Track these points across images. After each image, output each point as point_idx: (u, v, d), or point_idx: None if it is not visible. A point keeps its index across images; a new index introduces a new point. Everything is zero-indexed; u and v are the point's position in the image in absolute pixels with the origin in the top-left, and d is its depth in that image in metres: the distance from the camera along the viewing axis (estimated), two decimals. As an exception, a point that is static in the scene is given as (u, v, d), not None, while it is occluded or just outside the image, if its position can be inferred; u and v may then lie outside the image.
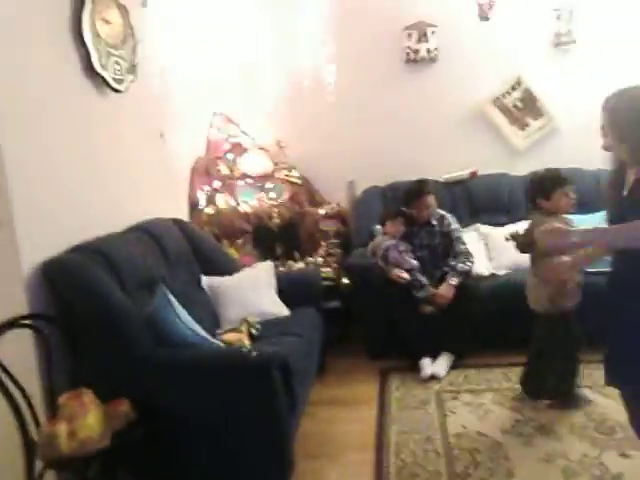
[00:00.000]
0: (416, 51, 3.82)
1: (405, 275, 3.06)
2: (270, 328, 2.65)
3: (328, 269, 3.45)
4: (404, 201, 3.31)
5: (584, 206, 3.36)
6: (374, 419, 2.61)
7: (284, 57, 3.90)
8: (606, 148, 1.78)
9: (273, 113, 3.92)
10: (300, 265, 3.55)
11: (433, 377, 2.93)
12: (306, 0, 3.80)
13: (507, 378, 2.87)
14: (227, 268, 3.04)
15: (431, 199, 3.22)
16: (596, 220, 3.24)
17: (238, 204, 3.72)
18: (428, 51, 3.82)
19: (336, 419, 2.66)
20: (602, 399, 2.52)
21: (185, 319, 2.14)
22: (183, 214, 3.44)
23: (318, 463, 2.33)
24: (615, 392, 1.89)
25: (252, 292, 2.88)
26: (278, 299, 2.96)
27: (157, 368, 2.02)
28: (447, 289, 3.04)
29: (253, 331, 2.59)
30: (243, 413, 1.99)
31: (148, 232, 2.61)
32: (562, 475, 2.06)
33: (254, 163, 3.80)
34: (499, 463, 2.17)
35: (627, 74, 3.56)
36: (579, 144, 3.62)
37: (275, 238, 3.74)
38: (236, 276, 3.00)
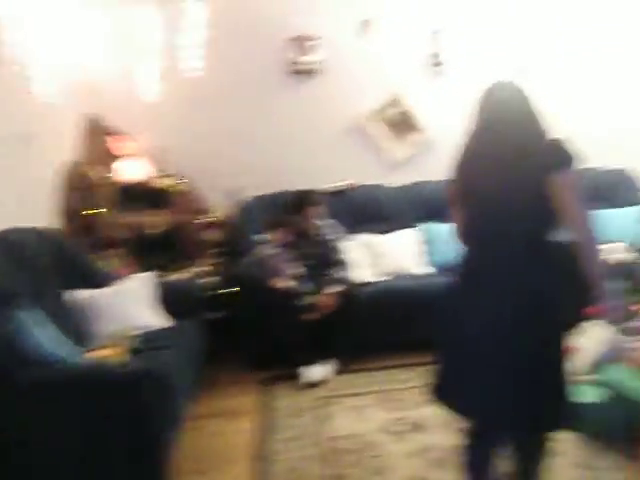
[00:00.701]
0: (300, 63, 3.91)
1: (288, 283, 3.11)
2: (150, 341, 2.55)
3: (212, 279, 3.40)
4: (290, 210, 3.35)
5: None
6: (256, 429, 2.61)
7: (167, 62, 3.79)
8: None
9: (156, 119, 3.80)
10: (183, 275, 3.46)
11: (316, 383, 2.99)
12: (188, 9, 3.73)
13: (388, 380, 3.02)
14: (99, 280, 2.88)
15: (316, 210, 3.30)
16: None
17: (117, 212, 3.56)
18: (311, 63, 3.92)
19: (218, 432, 2.62)
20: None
21: (50, 336, 2.00)
22: (52, 222, 3.20)
23: (204, 478, 2.28)
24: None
25: (130, 304, 2.76)
26: (158, 311, 2.86)
27: (20, 390, 1.87)
28: (328, 297, 3.12)
29: (131, 345, 2.47)
30: (116, 430, 1.91)
31: (5, 242, 2.39)
32: (432, 464, 2.22)
33: (134, 169, 3.66)
34: (374, 460, 2.28)
35: None
36: (451, 158, 3.98)
37: (157, 247, 3.62)
38: (112, 288, 2.85)
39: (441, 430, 2.47)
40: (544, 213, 1.65)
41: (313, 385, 2.97)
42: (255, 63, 3.88)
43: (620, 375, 2.42)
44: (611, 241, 3.64)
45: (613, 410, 2.31)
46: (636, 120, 4.12)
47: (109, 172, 3.59)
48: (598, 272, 1.62)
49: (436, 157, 4.05)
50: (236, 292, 3.25)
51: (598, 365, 2.56)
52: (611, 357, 2.60)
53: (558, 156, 1.64)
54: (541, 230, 1.69)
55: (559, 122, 4.27)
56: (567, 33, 4.04)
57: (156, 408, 1.95)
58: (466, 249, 1.83)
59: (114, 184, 3.57)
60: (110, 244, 3.48)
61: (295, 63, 3.91)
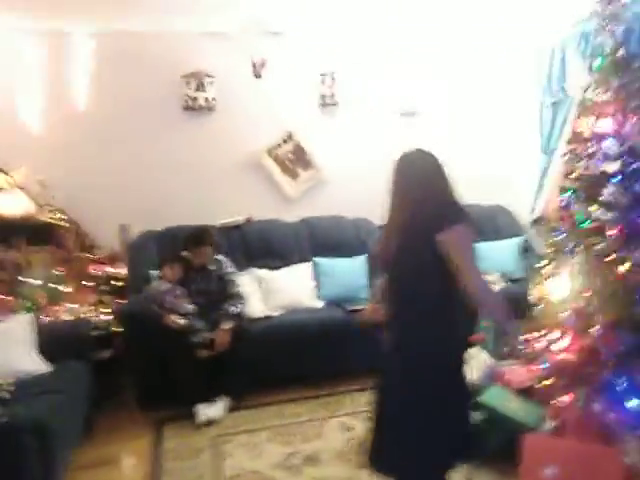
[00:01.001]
0: (194, 99, 3.93)
1: (180, 320, 3.05)
2: (26, 388, 2.38)
3: (100, 317, 3.25)
4: (183, 246, 3.31)
5: (345, 251, 3.87)
6: (146, 476, 2.50)
7: (55, 94, 3.65)
8: None
9: (37, 151, 3.62)
10: (66, 314, 3.26)
11: (210, 422, 2.93)
12: (76, 41, 3.64)
13: (281, 414, 3.03)
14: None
15: (209, 250, 3.29)
16: (353, 264, 3.75)
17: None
18: (206, 100, 3.95)
19: (109, 480, 2.47)
20: (359, 424, 2.81)
21: None
22: None
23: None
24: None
25: (3, 349, 2.56)
26: (36, 355, 2.68)
27: None
28: (222, 334, 3.10)
29: (3, 394, 2.28)
30: None
31: None
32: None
33: (11, 204, 3.43)
34: (270, 497, 2.28)
35: (383, 134, 4.27)
36: (342, 194, 4.18)
37: (37, 286, 3.39)
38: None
39: (334, 462, 2.52)
40: (441, 274, 1.72)
41: (207, 424, 2.91)
42: (148, 98, 3.84)
43: (495, 397, 2.63)
44: (488, 272, 4.03)
45: (490, 429, 2.50)
46: (507, 162, 4.57)
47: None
48: (501, 316, 1.76)
49: (329, 193, 4.25)
50: (126, 330, 3.12)
51: (477, 389, 2.78)
52: (488, 380, 2.83)
53: (446, 216, 1.73)
54: (438, 291, 1.75)
55: (444, 162, 4.67)
56: (452, 77, 4.42)
57: (36, 459, 1.83)
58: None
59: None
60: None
61: (189, 99, 3.92)
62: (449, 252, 1.70)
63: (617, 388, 2.42)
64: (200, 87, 3.95)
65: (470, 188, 4.32)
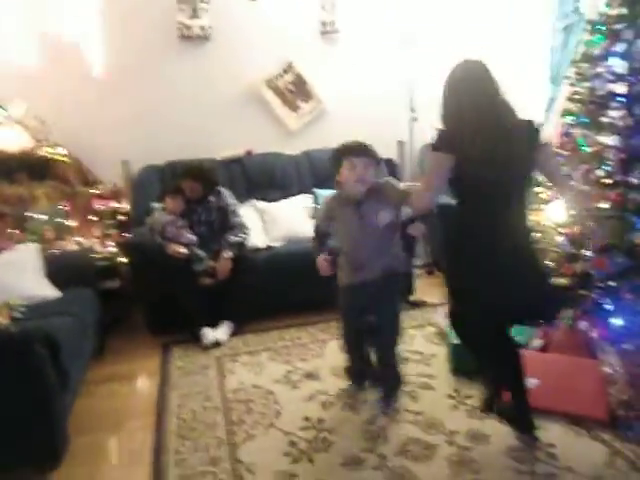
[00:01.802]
0: (189, 27, 3.84)
1: (183, 250, 3.14)
2: (37, 310, 2.52)
3: (105, 249, 3.35)
4: (184, 179, 3.32)
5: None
6: (156, 388, 2.67)
7: (43, 26, 3.59)
8: None
9: (35, 86, 3.60)
10: (73, 246, 3.37)
11: (215, 344, 3.08)
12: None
13: (282, 338, 3.17)
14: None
15: (196, 185, 3.25)
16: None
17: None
18: (202, 28, 3.86)
19: (116, 394, 2.65)
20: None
21: None
22: None
23: (97, 436, 2.32)
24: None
25: (12, 275, 2.70)
26: (46, 281, 2.80)
27: None
28: (224, 263, 3.19)
29: (15, 314, 2.42)
30: (10, 392, 1.91)
31: None
32: (321, 407, 2.41)
33: (10, 139, 3.45)
34: (269, 407, 2.43)
35: (385, 64, 4.18)
36: (345, 126, 4.07)
37: (43, 220, 3.48)
38: (-5, 260, 2.75)
39: (333, 378, 2.66)
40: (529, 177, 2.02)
41: (212, 346, 3.05)
42: (143, 28, 3.77)
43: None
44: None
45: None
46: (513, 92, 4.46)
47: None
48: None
49: (331, 125, 4.18)
50: (131, 260, 3.23)
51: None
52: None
53: (539, 132, 2.00)
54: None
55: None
56: (455, 3, 4.28)
57: (50, 368, 1.96)
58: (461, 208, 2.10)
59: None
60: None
61: (184, 27, 3.83)
62: (550, 161, 2.07)
63: (605, 308, 2.51)
64: (195, 14, 3.83)
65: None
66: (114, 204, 3.64)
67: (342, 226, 2.35)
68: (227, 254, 3.20)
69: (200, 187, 3.28)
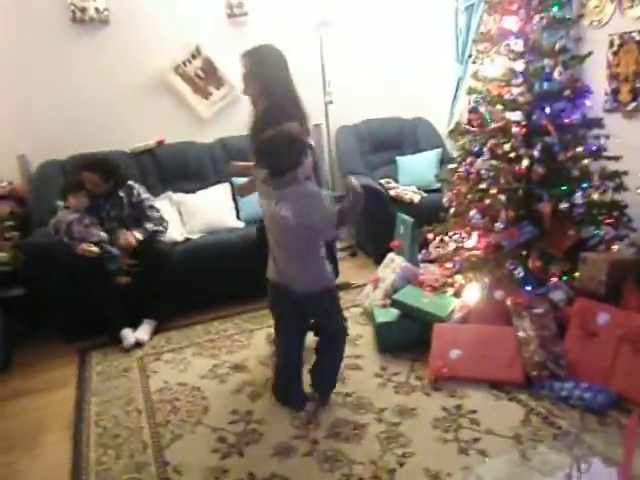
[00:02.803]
0: (83, 10, 3.58)
1: (94, 248, 2.96)
2: None
3: (3, 254, 3.09)
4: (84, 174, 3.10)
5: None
6: (73, 398, 2.51)
7: None
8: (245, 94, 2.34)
9: None
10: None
11: (137, 344, 2.95)
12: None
13: (207, 331, 3.08)
14: None
15: (95, 177, 3.03)
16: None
17: None
18: (97, 11, 3.62)
19: (28, 409, 2.47)
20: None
21: None
22: None
23: (10, 456, 2.15)
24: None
25: None
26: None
27: None
28: (128, 235, 3.06)
29: None
30: None
31: None
32: (249, 398, 2.36)
33: None
34: (196, 404, 2.35)
35: (297, 47, 4.00)
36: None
37: None
38: None
39: (261, 368, 2.62)
40: None
41: (134, 347, 2.92)
42: (28, 11, 3.48)
43: (409, 295, 2.78)
44: (407, 184, 4.14)
45: (402, 326, 2.67)
46: (428, 74, 4.56)
47: None
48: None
49: (245, 111, 4.08)
50: (35, 264, 2.99)
51: (393, 290, 2.92)
52: (403, 281, 2.98)
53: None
54: None
55: (359, 74, 4.58)
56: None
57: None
58: None
59: None
60: None
61: (77, 9, 3.57)
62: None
63: (516, 276, 2.63)
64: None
65: (391, 101, 4.40)
66: (12, 204, 3.36)
67: None
68: (137, 234, 3.08)
69: (99, 179, 3.05)
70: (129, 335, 2.96)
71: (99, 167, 3.06)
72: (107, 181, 3.09)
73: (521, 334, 2.34)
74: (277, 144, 1.98)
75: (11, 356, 2.80)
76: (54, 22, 3.57)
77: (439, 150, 4.39)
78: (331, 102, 4.21)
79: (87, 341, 3.02)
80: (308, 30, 4.09)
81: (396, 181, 4.22)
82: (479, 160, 2.93)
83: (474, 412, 2.12)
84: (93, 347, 2.98)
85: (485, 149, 2.91)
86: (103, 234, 3.04)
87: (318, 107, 4.17)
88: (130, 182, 3.24)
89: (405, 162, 4.36)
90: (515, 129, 2.77)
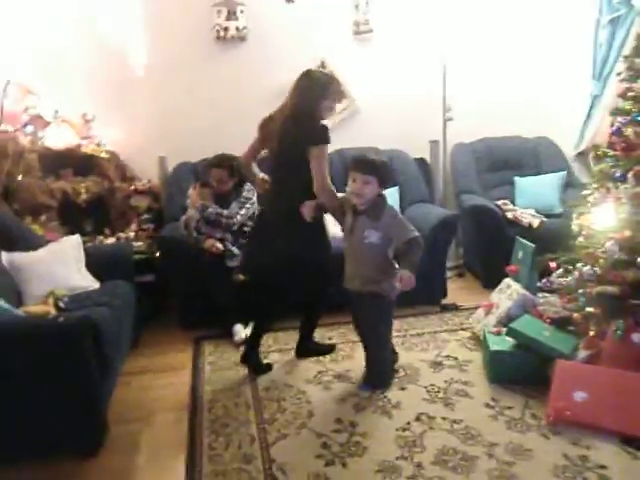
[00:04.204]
0: (226, 29, 3.87)
1: (219, 245, 3.14)
2: (80, 301, 2.58)
3: (140, 243, 3.39)
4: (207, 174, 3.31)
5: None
6: (188, 383, 2.68)
7: (89, 26, 3.67)
8: None
9: (79, 85, 3.71)
10: (111, 240, 3.43)
11: (246, 341, 3.06)
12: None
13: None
14: (30, 244, 2.86)
15: (222, 173, 3.20)
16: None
17: (41, 179, 3.46)
18: (237, 29, 3.88)
19: (150, 386, 2.68)
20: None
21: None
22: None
23: (132, 426, 2.34)
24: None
25: (58, 266, 2.76)
26: (87, 272, 2.86)
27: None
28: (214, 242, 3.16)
29: (60, 304, 2.49)
30: (54, 380, 1.96)
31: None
32: (354, 409, 2.36)
33: (58, 137, 3.56)
34: (302, 406, 2.40)
35: (418, 63, 4.13)
36: (377, 125, 4.09)
37: (83, 214, 3.59)
38: (40, 251, 2.83)
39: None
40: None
41: (243, 343, 3.03)
42: (180, 29, 3.82)
43: (527, 324, 2.64)
44: (525, 207, 3.94)
45: (517, 357, 2.53)
46: (555, 92, 4.34)
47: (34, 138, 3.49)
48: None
49: (363, 124, 4.15)
50: (166, 255, 3.24)
51: (508, 317, 2.79)
52: (520, 309, 2.83)
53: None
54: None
55: (480, 90, 4.44)
56: (491, 7, 4.20)
57: (94, 357, 2.01)
58: None
59: (38, 150, 3.48)
60: (35, 210, 3.39)
61: (221, 29, 3.86)
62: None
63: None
64: (231, 16, 3.86)
65: (512, 118, 4.23)
66: (150, 200, 3.69)
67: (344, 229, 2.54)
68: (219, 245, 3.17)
69: (225, 174, 3.20)
70: (240, 331, 3.10)
71: (225, 163, 3.22)
72: (232, 176, 3.24)
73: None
74: None
75: (139, 335, 3.04)
76: (201, 40, 3.89)
77: (563, 173, 4.13)
78: (451, 119, 4.13)
79: (201, 331, 3.20)
80: (431, 46, 4.06)
81: (513, 203, 4.03)
82: (621, 187, 2.71)
83: (603, 467, 1.91)
84: (206, 337, 3.16)
85: (630, 175, 2.68)
86: (225, 233, 3.21)
87: (437, 123, 4.12)
88: (246, 185, 3.33)
89: (524, 183, 4.15)
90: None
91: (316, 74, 2.61)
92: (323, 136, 2.43)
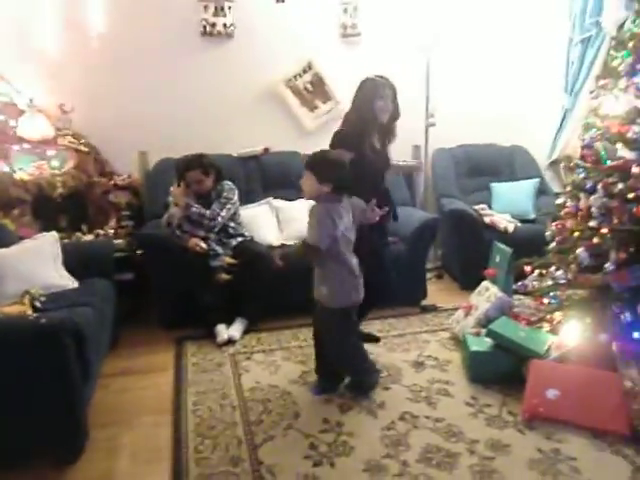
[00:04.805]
0: (213, 25, 3.83)
1: (203, 244, 3.12)
2: (56, 300, 2.51)
3: (120, 241, 3.33)
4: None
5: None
6: (170, 384, 2.65)
7: (67, 15, 3.58)
8: None
9: (56, 75, 3.60)
10: (89, 237, 3.36)
11: (229, 341, 3.06)
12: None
13: (296, 337, 3.14)
14: (2, 240, 2.78)
15: (198, 174, 3.17)
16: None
17: (14, 171, 3.36)
18: (225, 26, 3.84)
19: (131, 388, 2.63)
20: (372, 348, 2.92)
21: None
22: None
23: (112, 430, 2.29)
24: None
25: (34, 264, 2.67)
26: (64, 271, 2.79)
27: None
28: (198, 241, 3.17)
29: (36, 303, 2.41)
30: (34, 383, 1.91)
31: None
32: (339, 409, 2.40)
33: (32, 127, 3.45)
34: (288, 407, 2.42)
35: (404, 67, 4.17)
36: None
37: (59, 209, 3.49)
38: (13, 248, 2.74)
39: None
40: None
41: (226, 343, 3.03)
42: (165, 23, 3.76)
43: (504, 326, 2.73)
44: (501, 212, 4.06)
45: (495, 357, 2.61)
46: (530, 104, 4.47)
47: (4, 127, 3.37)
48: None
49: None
50: (146, 253, 3.21)
51: (487, 319, 2.88)
52: (497, 312, 2.92)
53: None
54: None
55: (460, 99, 4.56)
56: (475, 12, 4.29)
57: (75, 360, 1.96)
58: None
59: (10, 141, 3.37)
60: (6, 204, 3.29)
61: (208, 24, 3.82)
62: None
63: (624, 321, 2.51)
64: (219, 12, 3.83)
65: (490, 127, 4.35)
66: (130, 196, 3.63)
67: None
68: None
69: (199, 173, 3.17)
70: (223, 331, 3.08)
71: (194, 163, 3.19)
72: (207, 174, 3.21)
73: (628, 384, 2.23)
74: None
75: (118, 335, 2.99)
76: (186, 35, 3.83)
77: (537, 180, 4.28)
78: (433, 124, 4.21)
79: (183, 331, 3.17)
80: (416, 54, 4.12)
81: (490, 208, 4.15)
82: (592, 197, 2.84)
83: (574, 459, 2.03)
84: (188, 338, 3.13)
85: (599, 187, 2.81)
86: (207, 232, 3.20)
87: (419, 129, 4.19)
88: (225, 182, 3.32)
89: (500, 189, 4.28)
90: (635, 169, 2.66)
91: None
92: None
